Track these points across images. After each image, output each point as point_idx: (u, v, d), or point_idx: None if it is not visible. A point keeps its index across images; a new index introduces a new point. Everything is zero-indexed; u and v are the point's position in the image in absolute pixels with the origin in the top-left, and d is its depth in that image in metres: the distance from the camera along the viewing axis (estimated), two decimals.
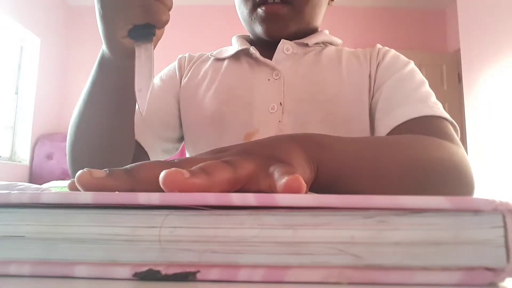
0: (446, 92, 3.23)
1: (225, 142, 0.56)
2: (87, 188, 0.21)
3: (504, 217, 0.16)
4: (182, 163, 0.24)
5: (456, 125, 0.50)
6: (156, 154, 0.60)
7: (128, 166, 0.23)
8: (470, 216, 0.16)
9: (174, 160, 0.26)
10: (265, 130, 0.56)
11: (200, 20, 3.33)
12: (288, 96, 0.58)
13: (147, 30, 0.38)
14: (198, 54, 0.69)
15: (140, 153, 0.58)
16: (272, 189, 0.23)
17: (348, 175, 0.32)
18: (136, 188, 0.22)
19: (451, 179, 0.39)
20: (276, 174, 0.23)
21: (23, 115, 2.96)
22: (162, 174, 0.20)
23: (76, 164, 0.51)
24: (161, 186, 0.20)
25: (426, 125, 0.48)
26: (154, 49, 0.40)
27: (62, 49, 3.32)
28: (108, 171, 0.22)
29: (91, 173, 0.21)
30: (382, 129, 0.53)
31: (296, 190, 0.21)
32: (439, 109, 0.50)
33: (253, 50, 0.61)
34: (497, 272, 0.16)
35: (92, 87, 0.47)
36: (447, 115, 0.50)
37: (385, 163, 0.35)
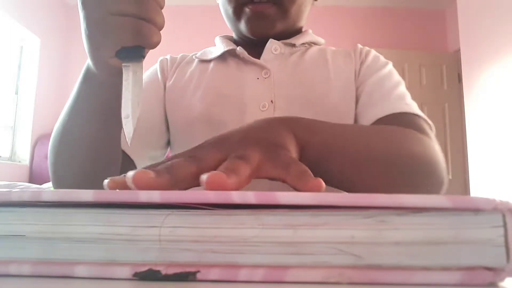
0: (446, 92, 3.22)
1: None
2: (141, 187, 0.22)
3: (504, 216, 0.16)
4: (199, 156, 0.27)
5: (432, 124, 0.53)
6: (143, 162, 0.59)
7: (163, 165, 0.25)
8: (470, 216, 0.16)
9: (193, 154, 0.28)
10: None
11: (199, 20, 3.33)
12: (279, 94, 0.58)
13: (136, 51, 0.35)
14: (180, 55, 0.68)
15: (126, 162, 0.56)
16: (284, 181, 0.26)
17: (331, 158, 0.34)
18: (177, 185, 0.24)
19: (422, 172, 0.42)
20: (294, 173, 0.25)
21: (23, 115, 2.96)
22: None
23: (59, 177, 0.49)
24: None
25: (404, 120, 0.51)
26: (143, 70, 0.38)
27: (62, 49, 3.31)
28: (154, 171, 0.23)
29: (146, 173, 0.22)
30: (363, 122, 0.56)
31: (318, 191, 0.24)
32: (415, 108, 0.54)
33: (240, 50, 0.61)
34: (497, 272, 0.16)
35: (77, 100, 0.45)
36: (422, 114, 0.53)
37: (366, 151, 0.38)
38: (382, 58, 0.64)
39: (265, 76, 0.59)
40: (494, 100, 2.22)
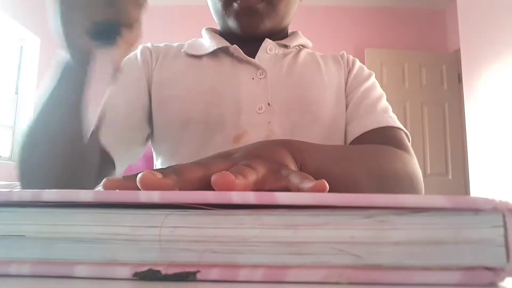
0: (446, 92, 3.22)
1: (213, 143, 0.55)
2: (148, 187, 0.22)
3: (504, 216, 0.16)
4: (206, 163, 0.28)
5: (408, 134, 0.58)
6: (122, 159, 0.56)
7: (171, 168, 0.26)
8: (470, 216, 0.16)
9: (200, 162, 0.28)
10: (254, 130, 0.55)
11: (199, 20, 3.33)
12: (275, 97, 0.57)
13: (111, 30, 0.31)
14: (164, 44, 0.65)
15: (104, 159, 0.53)
16: (289, 190, 0.26)
17: (323, 177, 0.35)
18: (184, 188, 0.24)
19: (404, 187, 0.45)
20: (297, 179, 0.26)
21: (23, 115, 2.95)
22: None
23: (30, 177, 0.45)
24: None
25: (388, 135, 0.55)
26: (123, 55, 0.33)
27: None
28: (161, 172, 0.24)
29: (153, 174, 0.23)
30: (351, 133, 0.58)
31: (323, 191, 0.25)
32: (397, 121, 0.58)
33: (234, 48, 0.59)
34: (497, 272, 0.16)
35: (52, 96, 0.42)
36: (402, 127, 0.57)
37: (352, 170, 0.41)
38: (366, 68, 0.66)
39: (260, 77, 0.58)
40: (494, 100, 2.22)
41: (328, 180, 0.35)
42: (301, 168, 0.35)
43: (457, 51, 2.92)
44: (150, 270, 0.17)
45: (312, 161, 0.36)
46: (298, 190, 0.25)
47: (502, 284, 0.17)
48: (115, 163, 0.55)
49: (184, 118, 0.57)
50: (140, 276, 0.17)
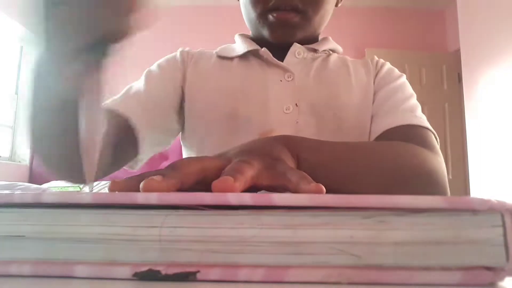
0: (446, 92, 3.22)
1: (238, 140, 0.56)
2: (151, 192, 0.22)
3: (502, 216, 0.16)
4: (202, 158, 0.29)
5: (436, 135, 0.54)
6: (146, 142, 0.55)
7: (169, 165, 0.26)
8: (469, 216, 0.16)
9: (203, 157, 0.29)
10: (281, 129, 0.55)
11: (201, 20, 3.33)
12: (303, 99, 0.58)
13: (99, 48, 0.26)
14: (198, 50, 0.68)
15: (129, 139, 0.52)
16: (287, 188, 0.27)
17: (323, 173, 0.36)
18: (185, 182, 0.25)
19: (419, 184, 0.43)
20: (294, 178, 0.26)
21: (23, 115, 2.95)
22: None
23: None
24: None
25: (411, 133, 0.52)
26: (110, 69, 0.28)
27: None
28: (160, 174, 0.24)
29: (152, 179, 0.23)
30: (374, 131, 0.57)
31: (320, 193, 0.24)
32: (424, 121, 0.54)
33: (264, 51, 0.61)
34: (497, 272, 0.16)
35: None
36: (430, 127, 0.53)
37: (357, 166, 0.40)
38: (396, 71, 0.65)
39: (288, 79, 0.60)
40: (494, 100, 2.22)
41: (327, 176, 0.35)
42: (299, 162, 0.35)
43: (457, 51, 2.92)
44: (150, 270, 0.17)
45: (311, 156, 0.36)
46: (296, 190, 0.26)
47: (502, 284, 0.17)
48: (139, 146, 0.54)
49: (212, 116, 0.59)
50: (140, 276, 0.17)
